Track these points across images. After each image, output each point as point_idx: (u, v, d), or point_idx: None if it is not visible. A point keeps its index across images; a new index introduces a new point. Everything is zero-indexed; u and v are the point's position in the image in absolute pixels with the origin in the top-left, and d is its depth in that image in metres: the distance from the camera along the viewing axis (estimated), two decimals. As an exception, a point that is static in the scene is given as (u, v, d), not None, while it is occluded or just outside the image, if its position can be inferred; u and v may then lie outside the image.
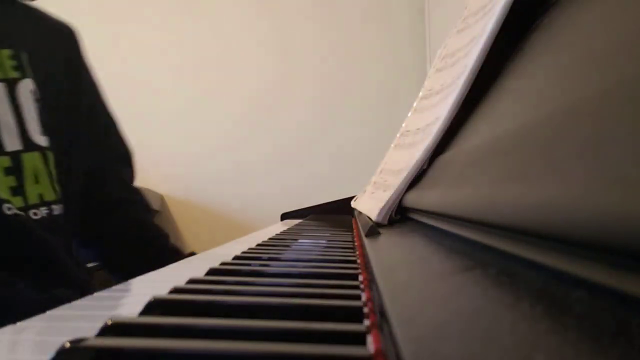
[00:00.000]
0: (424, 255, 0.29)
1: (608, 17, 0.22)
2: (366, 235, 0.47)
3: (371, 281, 0.34)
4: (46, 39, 0.78)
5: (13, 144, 0.67)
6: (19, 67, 0.69)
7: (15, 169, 0.66)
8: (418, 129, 0.57)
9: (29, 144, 0.68)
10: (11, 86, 0.67)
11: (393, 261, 0.31)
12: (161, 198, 2.21)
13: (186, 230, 2.25)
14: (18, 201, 0.65)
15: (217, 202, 2.21)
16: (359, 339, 0.23)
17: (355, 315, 0.27)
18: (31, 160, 0.67)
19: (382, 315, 0.23)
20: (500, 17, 0.40)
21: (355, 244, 0.64)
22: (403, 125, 0.69)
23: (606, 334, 0.11)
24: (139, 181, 2.27)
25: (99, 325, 0.25)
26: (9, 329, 0.29)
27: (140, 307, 0.29)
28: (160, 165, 2.20)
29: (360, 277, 0.39)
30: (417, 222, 0.41)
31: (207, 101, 2.20)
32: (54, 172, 0.71)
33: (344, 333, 0.24)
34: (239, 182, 2.19)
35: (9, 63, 0.68)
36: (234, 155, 2.19)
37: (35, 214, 0.67)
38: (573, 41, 0.26)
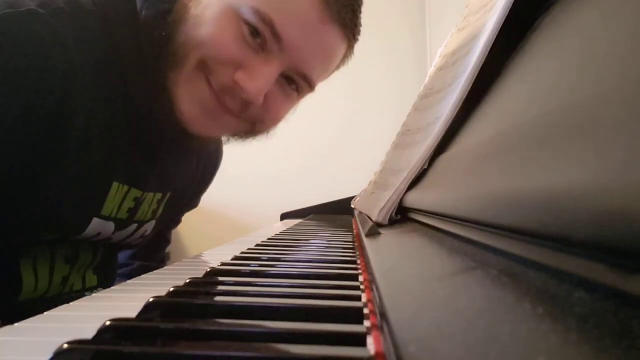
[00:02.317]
0: (425, 255, 0.28)
1: (608, 17, 0.22)
2: (366, 236, 0.47)
3: (372, 282, 0.34)
4: (197, 177, 0.81)
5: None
6: (155, 212, 0.70)
7: (73, 259, 0.66)
8: (418, 128, 0.57)
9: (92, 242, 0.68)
10: (139, 226, 0.68)
11: (393, 261, 0.31)
12: (161, 198, 2.21)
13: (186, 230, 2.25)
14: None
15: (217, 202, 2.21)
16: (359, 340, 0.23)
17: (356, 316, 0.27)
18: (87, 253, 0.67)
19: (382, 316, 0.23)
20: (501, 16, 0.40)
21: (356, 244, 0.64)
22: (403, 124, 0.69)
23: (608, 334, 0.11)
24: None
25: (97, 326, 0.24)
26: (8, 329, 0.29)
27: (139, 308, 0.29)
28: (160, 166, 2.19)
29: (361, 278, 0.39)
30: (418, 222, 0.41)
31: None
32: (96, 262, 0.71)
33: (345, 334, 0.24)
34: (239, 182, 2.19)
35: (153, 207, 0.68)
36: (233, 155, 2.19)
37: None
38: (574, 40, 0.26)
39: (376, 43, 2.12)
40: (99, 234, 0.61)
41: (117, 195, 0.59)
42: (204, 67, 0.55)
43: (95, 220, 0.58)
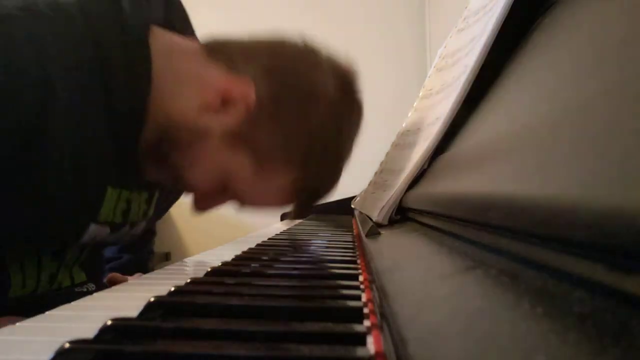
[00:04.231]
0: (424, 255, 0.29)
1: (608, 17, 0.22)
2: (366, 235, 0.47)
3: (371, 281, 0.34)
4: None
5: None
6: (146, 213, 0.70)
7: (60, 255, 0.66)
8: (418, 128, 0.57)
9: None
10: (131, 227, 0.68)
11: (393, 261, 0.31)
12: (161, 198, 2.21)
13: (186, 230, 2.25)
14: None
15: (217, 202, 2.21)
16: (359, 339, 0.23)
17: (356, 315, 0.27)
18: (73, 250, 0.67)
19: (382, 315, 0.23)
20: (500, 17, 0.40)
21: (356, 244, 0.64)
22: (403, 124, 0.69)
23: (606, 334, 0.11)
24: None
25: (98, 325, 0.24)
26: (8, 329, 0.29)
27: (140, 308, 0.29)
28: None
29: (361, 278, 0.39)
30: (418, 222, 0.41)
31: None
32: (82, 258, 0.70)
33: (345, 334, 0.24)
34: (239, 182, 2.18)
35: (143, 207, 0.69)
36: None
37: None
38: (573, 41, 0.26)
39: (376, 43, 2.12)
40: (95, 237, 0.61)
41: (112, 199, 0.59)
42: None
43: (92, 226, 0.58)
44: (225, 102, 0.56)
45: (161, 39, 0.56)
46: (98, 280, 0.75)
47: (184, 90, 0.56)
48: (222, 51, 0.59)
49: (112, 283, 0.83)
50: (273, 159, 0.58)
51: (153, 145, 0.57)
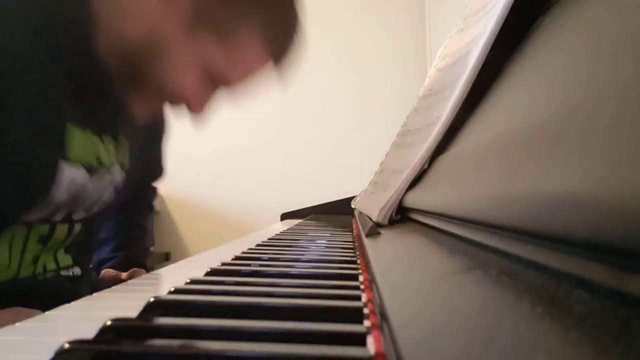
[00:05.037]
0: (424, 255, 0.29)
1: (608, 17, 0.22)
2: (366, 235, 0.47)
3: (371, 282, 0.34)
4: (149, 127, 0.82)
5: (79, 215, 0.68)
6: (116, 154, 0.71)
7: (46, 238, 0.66)
8: (418, 128, 0.57)
9: (67, 219, 0.68)
10: (108, 172, 0.69)
11: (393, 261, 0.31)
12: (161, 198, 2.21)
13: (186, 231, 2.25)
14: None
15: (217, 202, 2.21)
16: (359, 339, 0.23)
17: (356, 316, 0.27)
18: (61, 232, 0.67)
19: (382, 316, 0.23)
20: (501, 17, 0.40)
21: (356, 244, 0.64)
22: (403, 124, 0.69)
23: (607, 334, 0.11)
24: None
25: (98, 325, 0.24)
26: (8, 329, 0.29)
27: (139, 308, 0.29)
28: (160, 165, 2.20)
29: (361, 278, 0.39)
30: (418, 222, 0.41)
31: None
32: (69, 242, 0.71)
33: (345, 334, 0.24)
34: (238, 182, 2.19)
35: (113, 152, 0.70)
36: (233, 155, 2.19)
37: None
38: (574, 41, 0.26)
39: (376, 44, 2.12)
40: (75, 183, 0.61)
41: (79, 139, 0.60)
42: None
43: (64, 167, 0.58)
44: None
45: None
46: (84, 265, 0.75)
47: (122, 2, 0.57)
48: None
49: (106, 279, 0.83)
50: (232, 23, 0.59)
51: (124, 73, 0.58)
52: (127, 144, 0.73)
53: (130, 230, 0.95)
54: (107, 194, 0.70)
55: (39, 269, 0.64)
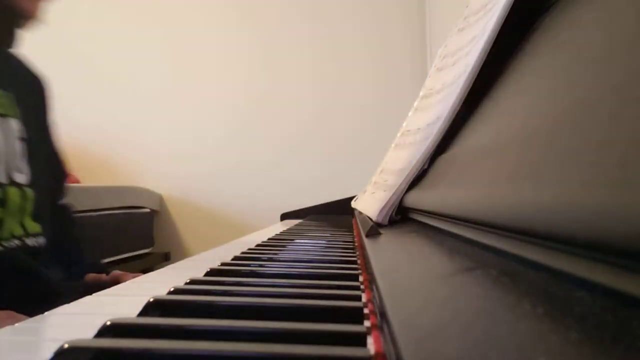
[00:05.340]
0: (425, 255, 0.29)
1: (608, 17, 0.22)
2: (366, 236, 0.47)
3: (371, 282, 0.34)
4: (27, 83, 0.86)
5: (19, 179, 0.72)
6: (7, 106, 0.75)
7: (2, 201, 0.69)
8: (419, 128, 0.57)
9: (11, 180, 0.72)
10: (2, 122, 0.72)
11: (393, 261, 0.31)
12: (160, 198, 2.21)
13: (185, 230, 2.25)
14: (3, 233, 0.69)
15: (217, 202, 2.21)
16: (359, 340, 0.23)
17: (356, 316, 0.27)
18: (15, 195, 0.71)
19: (382, 316, 0.23)
20: (501, 17, 0.40)
21: (356, 244, 0.64)
22: (404, 124, 0.69)
23: (607, 334, 0.11)
24: (138, 181, 2.25)
25: (98, 325, 0.24)
26: (8, 329, 0.29)
27: (139, 308, 0.29)
28: (159, 165, 2.20)
29: (361, 278, 0.39)
30: (418, 222, 0.41)
31: (206, 101, 2.20)
32: (30, 209, 0.74)
33: (345, 334, 0.24)
34: (238, 182, 2.19)
35: (2, 101, 0.73)
36: (233, 155, 2.19)
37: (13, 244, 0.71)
38: (574, 41, 0.26)
39: (375, 44, 2.12)
40: None
41: None
42: None
43: None
44: None
45: None
46: (50, 234, 0.78)
47: None
48: None
49: (92, 282, 0.83)
50: None
51: None
52: (12, 95, 0.76)
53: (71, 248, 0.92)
54: (18, 147, 0.73)
55: (6, 234, 0.68)
